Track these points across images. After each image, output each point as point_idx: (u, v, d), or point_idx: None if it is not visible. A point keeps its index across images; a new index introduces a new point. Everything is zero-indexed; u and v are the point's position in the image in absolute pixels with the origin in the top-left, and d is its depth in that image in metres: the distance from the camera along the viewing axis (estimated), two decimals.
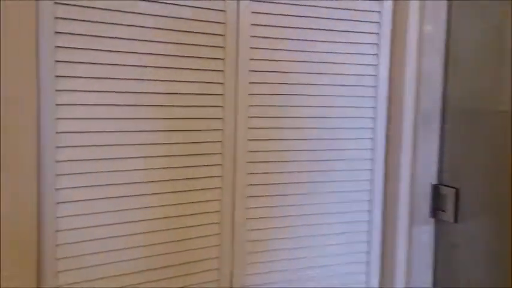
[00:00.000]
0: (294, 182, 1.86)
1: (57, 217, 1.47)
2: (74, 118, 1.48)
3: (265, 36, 1.76)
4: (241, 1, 1.69)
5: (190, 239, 1.72)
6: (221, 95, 1.71)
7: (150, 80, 1.59)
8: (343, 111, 1.90)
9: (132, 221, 1.60)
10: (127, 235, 1.60)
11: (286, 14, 1.77)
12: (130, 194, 1.59)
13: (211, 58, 1.68)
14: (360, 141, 1.94)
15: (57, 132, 1.45)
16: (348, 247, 1.97)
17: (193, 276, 1.73)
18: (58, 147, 1.45)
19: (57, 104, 1.44)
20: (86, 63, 1.48)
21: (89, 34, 1.47)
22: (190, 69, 1.65)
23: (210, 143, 1.72)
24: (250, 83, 1.75)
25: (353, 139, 1.93)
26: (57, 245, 1.48)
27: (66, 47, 1.44)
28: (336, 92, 1.88)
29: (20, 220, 1.39)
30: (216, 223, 1.76)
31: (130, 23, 1.53)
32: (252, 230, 1.82)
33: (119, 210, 1.58)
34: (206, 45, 1.66)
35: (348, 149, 1.93)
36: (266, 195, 1.83)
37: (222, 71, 1.70)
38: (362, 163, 1.95)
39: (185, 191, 1.69)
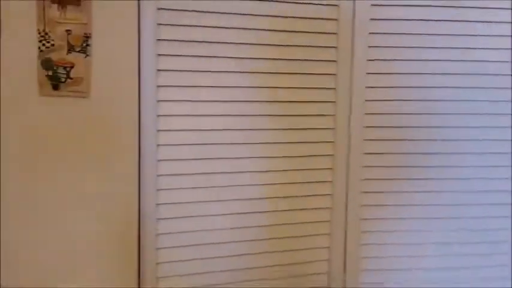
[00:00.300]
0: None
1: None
2: (176, 130, 1.40)
3: (388, 32, 1.50)
4: None
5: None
6: (333, 102, 1.52)
7: (256, 87, 1.45)
8: (479, 118, 1.58)
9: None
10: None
11: (415, 4, 1.50)
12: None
13: (321, 60, 1.49)
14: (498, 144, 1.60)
15: (158, 145, 1.38)
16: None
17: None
18: (159, 160, 1.40)
19: (158, 115, 1.37)
20: (189, 71, 1.39)
21: (193, 40, 1.38)
22: (296, 73, 1.48)
23: (320, 156, 1.54)
24: (367, 87, 1.52)
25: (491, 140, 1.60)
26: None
27: (168, 55, 1.36)
28: (472, 97, 1.57)
29: (122, 222, 1.36)
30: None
31: (236, 25, 1.40)
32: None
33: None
34: (315, 46, 1.47)
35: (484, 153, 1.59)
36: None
37: (334, 74, 1.50)
38: (501, 171, 1.61)
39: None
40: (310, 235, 1.57)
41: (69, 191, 1.31)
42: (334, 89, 1.51)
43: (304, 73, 1.48)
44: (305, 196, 1.55)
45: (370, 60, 1.51)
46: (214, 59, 1.40)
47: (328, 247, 1.59)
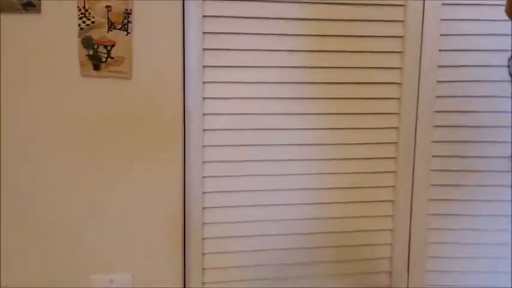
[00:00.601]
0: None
1: (204, 223, 1.35)
2: (223, 114, 1.31)
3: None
4: None
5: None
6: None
7: (312, 67, 1.32)
8: None
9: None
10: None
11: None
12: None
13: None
14: None
15: (204, 130, 1.30)
16: None
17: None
18: (205, 146, 1.31)
19: (204, 98, 1.28)
20: (239, 50, 1.28)
21: (244, 16, 1.26)
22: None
23: (384, 144, 1.40)
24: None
25: None
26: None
27: (215, 33, 1.25)
28: None
29: (166, 212, 1.30)
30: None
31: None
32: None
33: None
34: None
35: None
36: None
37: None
38: None
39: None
40: (370, 230, 1.44)
41: (110, 175, 1.25)
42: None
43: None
44: (365, 187, 1.41)
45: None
46: (267, 36, 1.28)
47: (390, 244, 1.46)
